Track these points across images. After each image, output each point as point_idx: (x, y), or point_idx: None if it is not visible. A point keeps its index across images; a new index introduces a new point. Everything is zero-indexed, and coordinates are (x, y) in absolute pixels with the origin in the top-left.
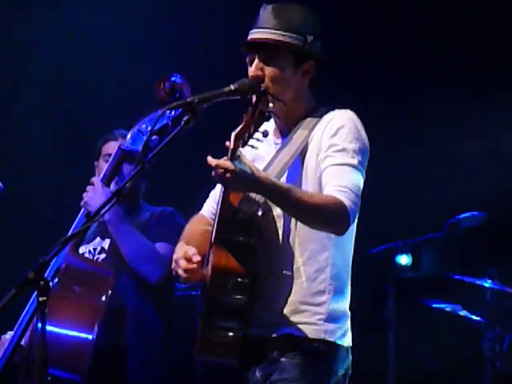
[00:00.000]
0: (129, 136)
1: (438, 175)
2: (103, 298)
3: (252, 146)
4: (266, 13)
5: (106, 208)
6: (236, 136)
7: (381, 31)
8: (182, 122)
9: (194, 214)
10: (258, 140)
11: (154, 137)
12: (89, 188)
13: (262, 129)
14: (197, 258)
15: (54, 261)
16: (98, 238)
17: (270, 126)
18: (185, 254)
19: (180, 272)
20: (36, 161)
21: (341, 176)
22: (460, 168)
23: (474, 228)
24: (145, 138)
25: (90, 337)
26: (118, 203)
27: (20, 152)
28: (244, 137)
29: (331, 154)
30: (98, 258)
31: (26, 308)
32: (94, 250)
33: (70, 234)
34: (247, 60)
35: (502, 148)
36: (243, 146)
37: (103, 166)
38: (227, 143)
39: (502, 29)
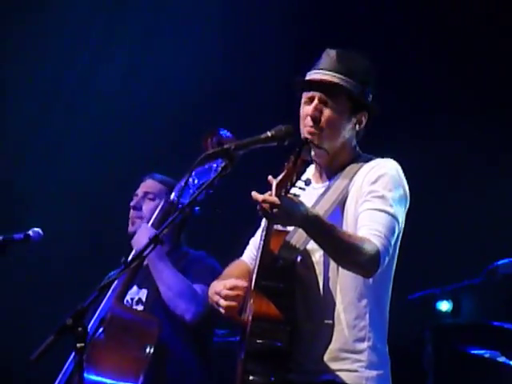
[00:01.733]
0: (176, 189)
1: (477, 221)
2: (148, 350)
3: (294, 195)
4: (329, 57)
5: (148, 250)
6: (278, 184)
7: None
8: (220, 169)
9: (234, 259)
10: (300, 188)
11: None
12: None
13: (304, 177)
14: (241, 284)
15: (99, 310)
16: (135, 287)
17: (310, 170)
18: (225, 284)
19: (221, 302)
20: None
21: (376, 221)
22: (498, 213)
23: None
24: (191, 191)
25: None
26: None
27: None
28: (286, 185)
29: (370, 199)
30: (131, 307)
31: (70, 357)
32: (132, 299)
33: (106, 280)
34: (303, 99)
35: None
36: (285, 194)
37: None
38: (267, 193)
39: None
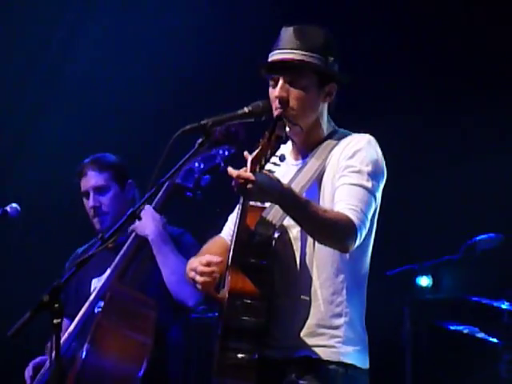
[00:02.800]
0: (181, 173)
1: (455, 197)
2: (149, 334)
3: (269, 171)
4: (287, 34)
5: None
6: (252, 160)
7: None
8: (197, 145)
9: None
10: (275, 164)
11: (205, 176)
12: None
13: (279, 153)
14: (216, 259)
15: (98, 287)
16: (109, 271)
17: (287, 147)
18: (200, 260)
19: (197, 278)
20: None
21: (353, 196)
22: (477, 188)
23: (492, 250)
24: (196, 176)
25: (138, 373)
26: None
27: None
28: (261, 161)
29: (347, 173)
30: (129, 287)
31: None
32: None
33: (84, 256)
34: (269, 81)
35: None
36: (260, 171)
37: (85, 204)
38: (242, 169)
39: None
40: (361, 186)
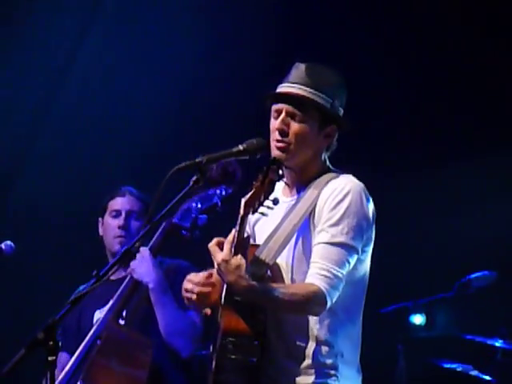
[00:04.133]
0: (178, 212)
1: (449, 234)
2: (143, 371)
3: (262, 214)
4: (298, 70)
5: (114, 269)
6: (246, 203)
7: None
8: (191, 183)
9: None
10: (268, 208)
11: (203, 215)
12: (138, 256)
13: (272, 196)
14: (209, 280)
15: (95, 327)
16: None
17: (280, 183)
18: (196, 275)
19: (189, 295)
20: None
21: (327, 257)
22: (471, 227)
23: (485, 287)
24: (193, 215)
25: None
26: (125, 264)
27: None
28: (254, 204)
29: (326, 228)
30: (125, 327)
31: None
32: None
33: (78, 294)
34: (272, 113)
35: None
36: (253, 213)
37: (110, 223)
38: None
39: None
40: (337, 244)
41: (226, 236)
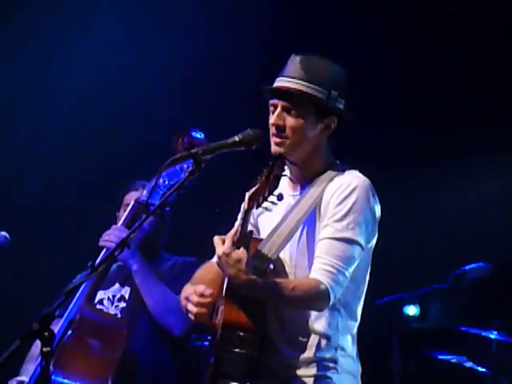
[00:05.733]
0: (146, 189)
1: (444, 226)
2: (117, 352)
3: (266, 209)
4: (294, 63)
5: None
6: (250, 197)
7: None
8: (187, 174)
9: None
10: (272, 203)
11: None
12: (111, 230)
13: (276, 192)
14: (208, 292)
15: (68, 312)
16: (117, 285)
17: (284, 178)
18: (195, 290)
19: (190, 308)
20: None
21: (332, 253)
22: (466, 219)
23: (480, 279)
24: (162, 192)
25: None
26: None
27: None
28: (258, 199)
29: (331, 223)
30: (117, 306)
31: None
32: (114, 296)
33: (73, 284)
34: (270, 107)
35: (507, 199)
36: (257, 208)
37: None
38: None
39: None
40: (342, 239)
41: (225, 232)
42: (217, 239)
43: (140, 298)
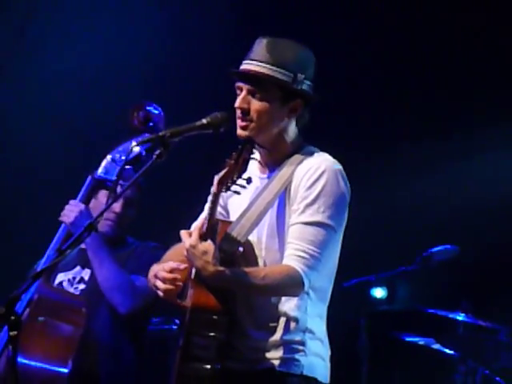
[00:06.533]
0: (102, 165)
1: (411, 208)
2: (77, 332)
3: (235, 192)
4: (260, 46)
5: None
6: (219, 181)
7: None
8: (154, 156)
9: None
10: (241, 186)
11: (127, 166)
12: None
13: (245, 175)
14: (177, 266)
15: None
16: (78, 267)
17: (254, 162)
18: (163, 266)
19: (158, 284)
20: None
21: (305, 238)
22: (433, 200)
23: (447, 261)
24: (118, 167)
25: (65, 370)
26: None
27: None
28: (227, 182)
29: (302, 208)
30: (76, 288)
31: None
32: (74, 278)
33: (40, 267)
34: (236, 89)
35: (472, 182)
36: (226, 191)
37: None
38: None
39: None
40: (314, 223)
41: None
42: (183, 233)
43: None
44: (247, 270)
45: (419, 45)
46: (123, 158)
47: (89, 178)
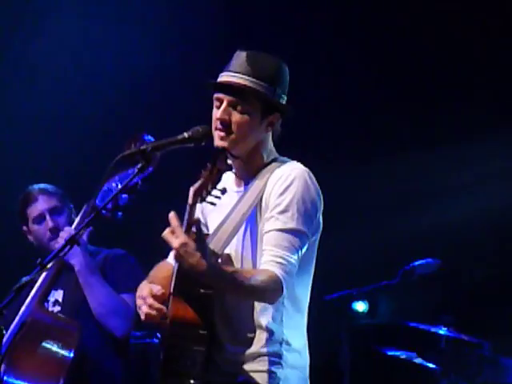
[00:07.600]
0: (99, 193)
1: (392, 222)
2: (69, 354)
3: (211, 203)
4: (240, 58)
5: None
6: (195, 192)
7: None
8: (136, 170)
9: (160, 261)
10: (216, 197)
11: (124, 195)
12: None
13: (220, 185)
14: (160, 292)
15: (20, 314)
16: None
17: (230, 174)
18: (151, 291)
19: (144, 309)
20: None
21: (280, 244)
22: (415, 214)
23: (429, 275)
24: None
25: None
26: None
27: None
28: (202, 193)
29: (276, 215)
30: (52, 311)
31: None
32: (48, 301)
33: (22, 281)
34: (214, 101)
35: (454, 196)
36: (201, 202)
37: (38, 228)
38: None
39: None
40: (288, 230)
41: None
42: (168, 234)
43: (75, 299)
44: (237, 269)
45: (409, 52)
46: (119, 186)
47: (85, 206)
